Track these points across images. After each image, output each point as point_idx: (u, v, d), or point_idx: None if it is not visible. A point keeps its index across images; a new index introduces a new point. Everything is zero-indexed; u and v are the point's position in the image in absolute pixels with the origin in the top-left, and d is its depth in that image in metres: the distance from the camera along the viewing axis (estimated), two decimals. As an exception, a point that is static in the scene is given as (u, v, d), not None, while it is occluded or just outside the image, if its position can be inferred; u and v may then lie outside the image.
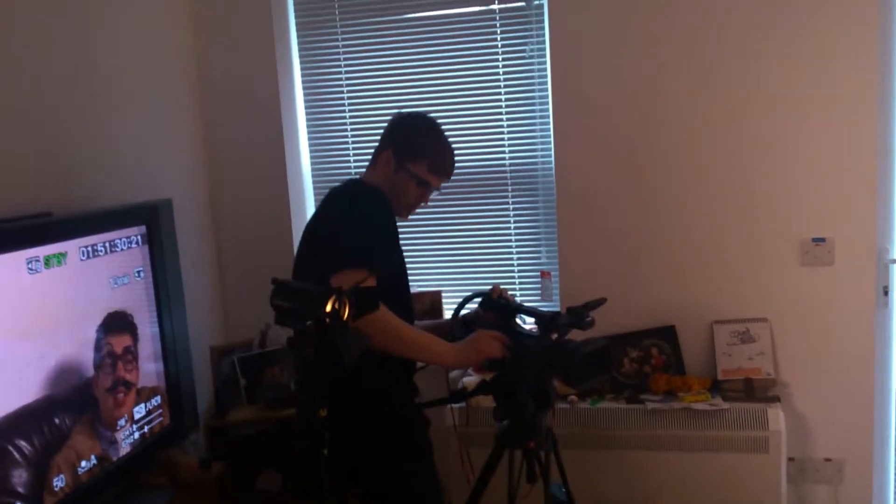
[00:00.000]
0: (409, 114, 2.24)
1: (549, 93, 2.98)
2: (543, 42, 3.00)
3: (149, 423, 2.44)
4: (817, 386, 2.88)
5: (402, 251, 2.16)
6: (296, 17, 3.19)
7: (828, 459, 2.92)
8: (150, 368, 2.47)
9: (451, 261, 3.23)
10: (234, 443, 3.01)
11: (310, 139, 3.28)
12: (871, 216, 2.79)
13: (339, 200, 2.09)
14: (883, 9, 2.71)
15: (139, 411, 2.39)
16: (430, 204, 3.16)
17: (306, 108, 3.26)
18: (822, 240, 2.81)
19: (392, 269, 2.07)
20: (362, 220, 2.00)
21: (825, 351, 2.87)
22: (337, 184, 2.19)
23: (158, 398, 2.50)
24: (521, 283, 3.18)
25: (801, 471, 2.93)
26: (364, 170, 2.25)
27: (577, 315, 2.06)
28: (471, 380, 2.80)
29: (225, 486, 2.76)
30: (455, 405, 2.72)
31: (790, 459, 2.86)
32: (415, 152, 2.13)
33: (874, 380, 2.86)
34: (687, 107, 2.86)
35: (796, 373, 2.89)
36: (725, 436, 2.68)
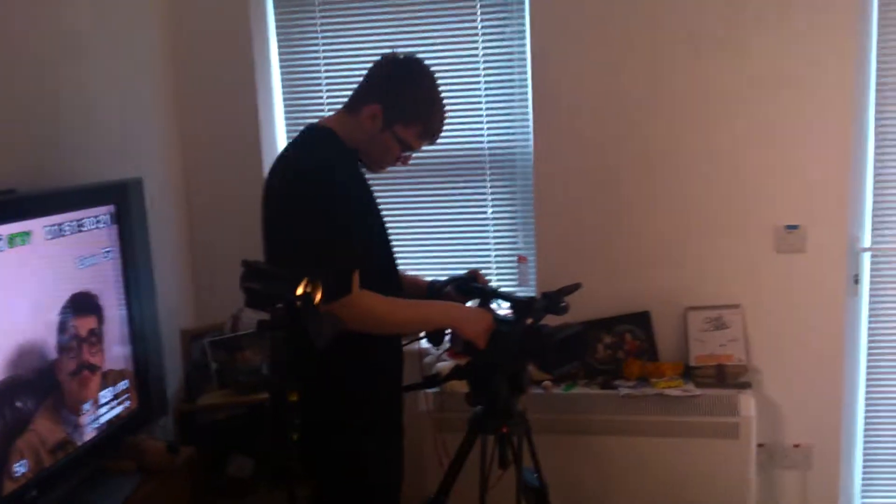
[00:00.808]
0: (408, 62, 1.99)
1: (529, 77, 2.95)
2: (524, 25, 2.97)
3: (116, 407, 2.39)
4: (788, 372, 2.91)
5: (376, 208, 2.05)
6: (274, -7, 3.14)
7: (797, 445, 2.95)
8: (117, 351, 2.42)
9: (428, 245, 3.21)
10: (204, 427, 2.98)
11: (286, 119, 3.23)
12: (843, 205, 2.81)
13: (300, 183, 1.88)
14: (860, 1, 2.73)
15: (105, 395, 2.35)
16: (407, 188, 3.14)
17: (283, 87, 3.21)
18: (796, 227, 2.82)
19: (372, 238, 2.00)
20: (331, 215, 1.83)
21: (796, 338, 2.89)
22: (296, 137, 2.02)
23: (126, 382, 2.45)
24: (497, 268, 3.17)
25: (771, 456, 2.96)
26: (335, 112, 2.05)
27: (552, 300, 2.05)
28: (445, 365, 2.79)
29: (194, 471, 2.73)
30: (429, 390, 2.71)
31: (760, 445, 2.88)
32: (408, 116, 1.94)
33: (843, 367, 2.90)
34: (666, 95, 2.86)
35: (767, 359, 2.92)
36: (697, 421, 2.70)
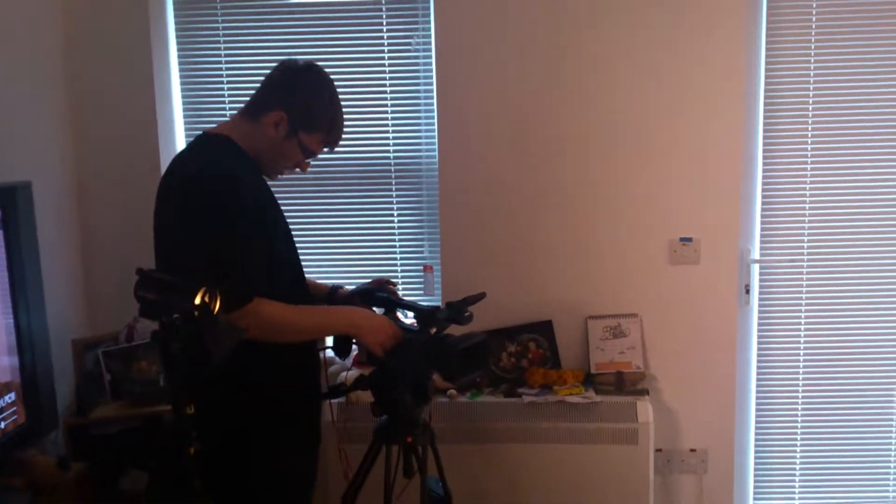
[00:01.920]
0: (309, 68, 1.99)
1: (434, 87, 2.97)
2: (429, 35, 2.99)
3: (1, 421, 2.27)
4: (683, 379, 3.02)
5: (282, 215, 2.03)
6: (173, -5, 3.06)
7: (693, 450, 3.06)
8: (3, 362, 2.29)
9: (334, 254, 3.17)
10: (97, 441, 2.85)
11: (186, 125, 3.14)
12: (735, 219, 2.93)
13: (199, 190, 1.82)
14: (749, 17, 2.86)
15: (-11, 409, 2.22)
16: (313, 196, 3.11)
17: (183, 93, 3.12)
18: (690, 239, 2.94)
19: (277, 246, 1.96)
20: (232, 223, 1.79)
21: (691, 346, 3.00)
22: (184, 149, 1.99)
23: (13, 394, 2.33)
24: (403, 277, 3.16)
25: (668, 461, 3.06)
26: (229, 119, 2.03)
27: (456, 310, 2.07)
28: (350, 374, 2.76)
29: (86, 487, 2.61)
30: (333, 401, 2.68)
31: (658, 450, 2.98)
32: (312, 124, 1.95)
33: (735, 373, 3.02)
34: (566, 109, 2.93)
35: (664, 366, 3.01)
36: (597, 428, 2.76)
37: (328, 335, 2.07)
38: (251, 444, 1.95)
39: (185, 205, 1.84)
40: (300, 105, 1.93)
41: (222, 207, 1.80)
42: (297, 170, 2.06)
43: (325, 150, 2.04)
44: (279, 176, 2.08)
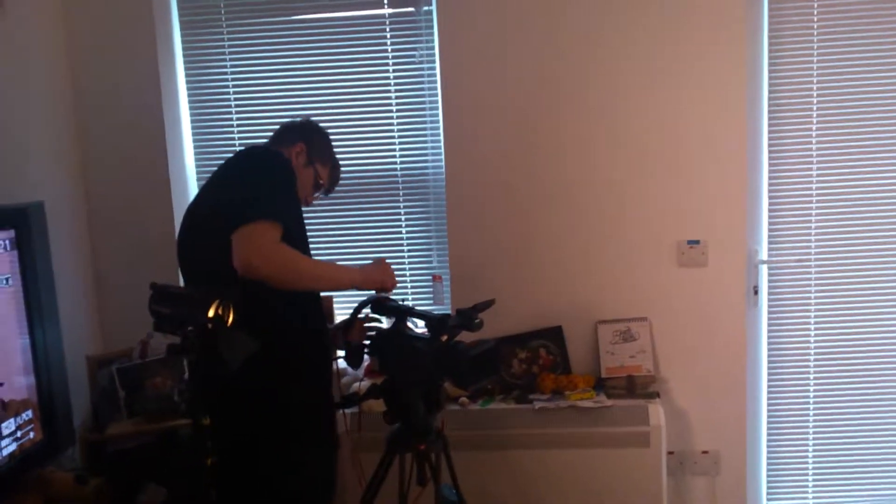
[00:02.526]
0: (311, 121, 2.42)
1: (440, 98, 3.00)
2: (433, 48, 3.02)
3: (19, 439, 2.29)
4: (694, 382, 3.02)
5: (303, 225, 2.18)
6: (179, 14, 3.09)
7: (705, 452, 3.06)
8: (20, 381, 2.32)
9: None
10: (114, 457, 2.87)
11: (194, 141, 3.18)
12: (742, 220, 2.94)
13: (243, 158, 2.14)
14: (751, 18, 2.88)
15: (8, 426, 2.25)
16: (322, 209, 3.15)
17: (191, 109, 3.16)
18: (697, 242, 2.95)
19: (297, 229, 2.10)
20: (268, 174, 2.05)
21: (701, 348, 3.00)
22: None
23: (30, 412, 2.35)
24: (413, 287, 3.18)
25: (681, 463, 3.06)
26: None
27: (466, 317, 2.09)
28: (362, 385, 2.78)
29: (104, 502, 2.63)
30: (347, 410, 2.70)
31: (670, 453, 2.98)
32: (324, 155, 2.34)
33: (746, 374, 3.02)
34: (570, 115, 2.95)
35: (674, 369, 3.02)
36: (609, 432, 2.76)
37: (335, 289, 2.23)
38: (265, 452, 2.00)
39: (247, 159, 2.14)
40: (316, 142, 2.33)
41: (281, 168, 2.09)
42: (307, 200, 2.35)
43: (328, 187, 2.39)
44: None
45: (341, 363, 2.39)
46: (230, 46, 3.10)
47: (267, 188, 2.00)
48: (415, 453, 2.15)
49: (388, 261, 2.27)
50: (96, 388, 2.92)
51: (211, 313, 1.50)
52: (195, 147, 3.18)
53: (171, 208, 3.08)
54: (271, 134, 2.38)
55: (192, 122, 3.16)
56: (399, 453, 2.17)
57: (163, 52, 3.05)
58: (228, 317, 1.53)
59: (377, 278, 2.24)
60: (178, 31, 3.10)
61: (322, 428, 2.17)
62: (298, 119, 2.41)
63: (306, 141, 2.30)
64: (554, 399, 2.85)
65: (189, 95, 3.15)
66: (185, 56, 3.12)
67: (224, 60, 3.11)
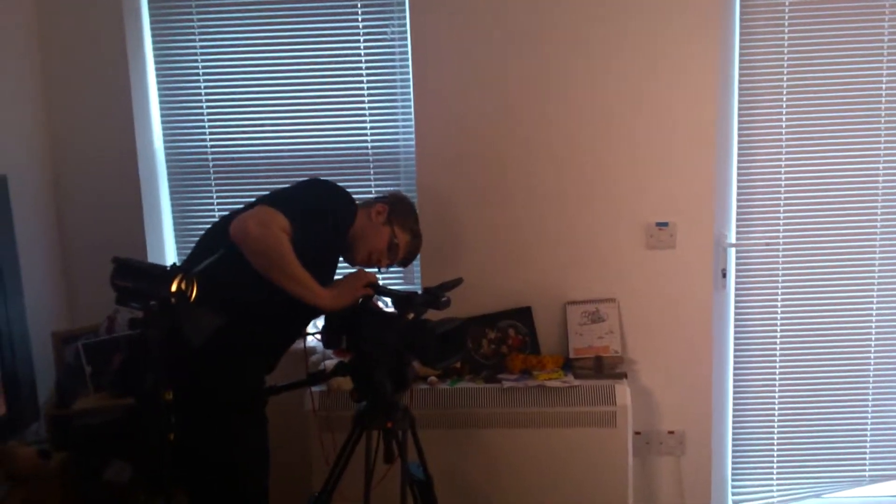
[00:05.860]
0: (406, 196, 2.55)
1: (411, 76, 2.98)
2: (405, 24, 2.99)
3: (-19, 414, 2.27)
4: (661, 363, 3.05)
5: (326, 264, 2.28)
6: (147, -9, 3.05)
7: (671, 432, 3.10)
8: (-18, 356, 2.30)
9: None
10: (79, 432, 2.85)
11: (163, 118, 3.13)
12: (710, 203, 2.96)
13: (302, 182, 2.34)
14: (724, 4, 2.89)
15: (-31, 402, 2.22)
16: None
17: (159, 86, 3.10)
18: (665, 224, 2.97)
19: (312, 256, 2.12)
20: (310, 193, 2.24)
21: (668, 330, 3.03)
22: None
23: (-8, 387, 2.33)
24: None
25: (647, 443, 3.10)
26: None
27: (433, 295, 2.09)
28: (330, 363, 2.78)
29: (68, 477, 2.62)
30: (315, 388, 2.70)
31: (636, 433, 3.02)
32: (406, 223, 2.42)
33: (712, 356, 3.05)
34: (544, 96, 2.94)
35: (642, 350, 3.05)
36: (576, 411, 2.79)
37: (302, 294, 2.10)
38: (208, 426, 2.09)
39: (303, 182, 2.36)
40: (399, 206, 2.44)
41: (328, 198, 2.24)
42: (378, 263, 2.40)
43: (401, 256, 2.42)
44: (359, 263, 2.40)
45: (310, 341, 2.39)
46: (199, 20, 3.04)
47: (301, 202, 2.16)
48: (382, 431, 2.15)
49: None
50: (62, 363, 2.90)
51: (174, 287, 1.49)
52: (163, 123, 3.13)
53: (137, 184, 3.04)
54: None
55: (160, 97, 3.11)
56: (366, 431, 2.17)
57: (131, 28, 3.00)
58: (192, 292, 1.51)
59: (350, 298, 2.19)
60: (146, 7, 3.05)
61: (256, 403, 2.23)
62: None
63: (390, 204, 2.41)
64: (522, 379, 2.86)
65: (157, 71, 3.09)
66: (152, 30, 3.06)
67: (193, 33, 3.05)
